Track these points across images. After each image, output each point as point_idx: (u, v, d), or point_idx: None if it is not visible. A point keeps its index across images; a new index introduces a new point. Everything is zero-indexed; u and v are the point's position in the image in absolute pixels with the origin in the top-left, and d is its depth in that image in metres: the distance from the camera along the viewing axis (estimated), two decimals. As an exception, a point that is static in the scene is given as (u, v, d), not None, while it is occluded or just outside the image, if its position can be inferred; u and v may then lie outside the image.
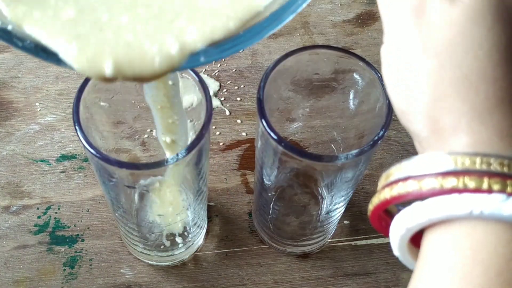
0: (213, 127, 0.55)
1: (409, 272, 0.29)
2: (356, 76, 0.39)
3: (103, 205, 0.51)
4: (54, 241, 0.49)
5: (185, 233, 0.46)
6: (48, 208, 0.51)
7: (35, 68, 0.57)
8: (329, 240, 0.50)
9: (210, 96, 0.35)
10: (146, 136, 0.44)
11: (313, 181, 0.48)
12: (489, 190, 0.24)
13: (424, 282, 0.26)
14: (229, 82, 0.57)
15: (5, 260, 0.48)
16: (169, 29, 0.27)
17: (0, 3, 0.26)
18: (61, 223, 0.50)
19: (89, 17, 0.27)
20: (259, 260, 0.49)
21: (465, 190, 0.24)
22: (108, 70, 0.26)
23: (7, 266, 0.48)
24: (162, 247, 0.46)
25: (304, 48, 0.38)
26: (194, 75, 0.36)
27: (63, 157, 0.53)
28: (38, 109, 0.55)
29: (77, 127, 0.34)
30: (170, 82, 0.33)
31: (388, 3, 0.27)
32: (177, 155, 0.33)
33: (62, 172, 0.52)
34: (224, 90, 0.57)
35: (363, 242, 0.50)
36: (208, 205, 0.50)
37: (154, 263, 0.48)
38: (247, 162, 0.53)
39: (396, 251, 0.29)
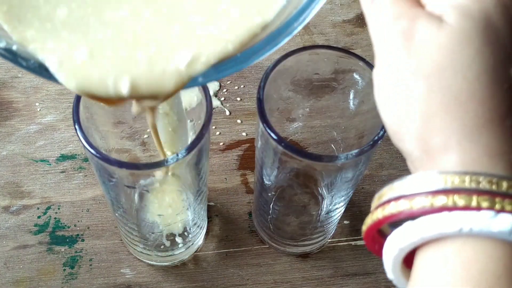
0: (213, 127, 0.55)
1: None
2: (356, 76, 0.39)
3: (103, 205, 0.51)
4: (54, 241, 0.49)
5: (185, 233, 0.46)
6: (48, 208, 0.51)
7: (35, 68, 0.57)
8: (329, 240, 0.50)
9: (210, 96, 0.35)
10: (146, 136, 0.44)
11: (313, 181, 0.48)
12: (478, 208, 0.24)
13: None
14: (229, 82, 0.57)
15: (5, 260, 0.48)
16: (171, 56, 0.27)
17: (5, 25, 0.27)
18: (61, 223, 0.50)
19: (99, 53, 0.27)
20: (259, 260, 0.49)
21: (455, 208, 0.24)
22: (124, 90, 0.26)
23: (7, 266, 0.48)
24: (162, 247, 0.46)
25: (304, 48, 0.38)
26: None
27: (63, 157, 0.53)
28: (38, 109, 0.55)
29: (77, 127, 0.34)
30: None
31: (378, 27, 0.27)
32: (177, 155, 0.33)
33: (62, 172, 0.52)
34: (224, 90, 0.57)
35: (363, 242, 0.50)
36: (208, 205, 0.50)
37: (154, 263, 0.48)
38: (247, 162, 0.53)
39: (390, 274, 0.28)
